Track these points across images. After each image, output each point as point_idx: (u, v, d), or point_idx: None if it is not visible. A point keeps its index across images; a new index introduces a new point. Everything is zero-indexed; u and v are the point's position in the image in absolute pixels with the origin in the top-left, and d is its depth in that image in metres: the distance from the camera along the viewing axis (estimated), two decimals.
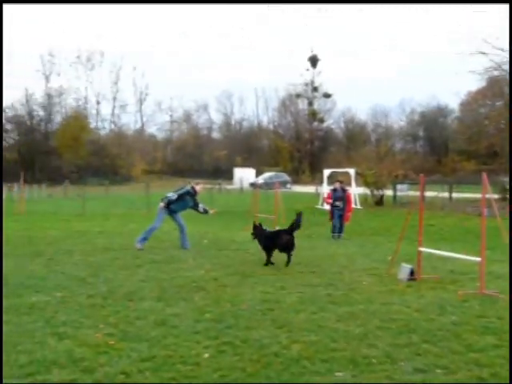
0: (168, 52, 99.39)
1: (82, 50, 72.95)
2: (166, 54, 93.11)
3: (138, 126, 79.67)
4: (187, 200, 12.60)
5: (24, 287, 8.01)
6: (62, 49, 72.97)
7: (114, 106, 76.32)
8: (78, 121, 69.39)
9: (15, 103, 70.28)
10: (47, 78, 71.80)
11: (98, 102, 75.67)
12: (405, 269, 8.91)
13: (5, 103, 69.26)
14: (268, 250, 10.40)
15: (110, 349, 5.18)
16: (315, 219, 19.87)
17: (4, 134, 69.96)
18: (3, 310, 6.60)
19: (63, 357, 4.92)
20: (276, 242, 10.32)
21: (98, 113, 76.41)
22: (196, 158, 75.59)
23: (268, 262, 10.27)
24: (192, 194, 12.66)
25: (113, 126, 77.34)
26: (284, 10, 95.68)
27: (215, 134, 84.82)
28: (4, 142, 70.43)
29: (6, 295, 7.49)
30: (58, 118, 72.85)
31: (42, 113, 71.47)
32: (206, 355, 5.08)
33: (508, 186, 25.91)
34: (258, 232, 10.81)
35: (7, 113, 69.58)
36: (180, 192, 12.60)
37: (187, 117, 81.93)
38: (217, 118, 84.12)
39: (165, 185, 56.63)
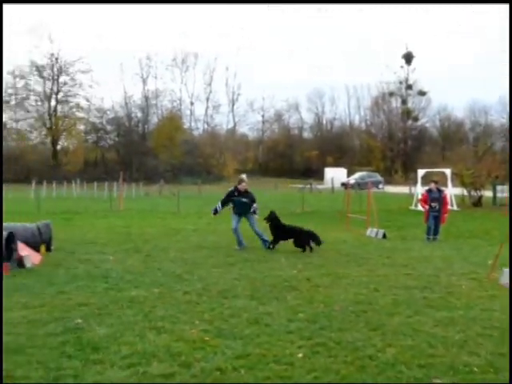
0: (260, 52, 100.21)
1: (177, 52, 75.26)
2: (258, 54, 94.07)
3: (231, 125, 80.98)
4: (235, 200, 12.60)
5: (124, 282, 8.36)
6: (159, 52, 75.28)
7: (208, 107, 78.04)
8: (173, 121, 71.60)
9: (115, 105, 73.63)
10: (145, 81, 74.61)
11: (192, 103, 77.70)
12: (507, 274, 8.48)
13: (106, 105, 72.79)
14: (278, 240, 12.28)
15: (205, 345, 5.29)
16: (409, 220, 19.35)
17: (104, 135, 73.50)
18: (105, 303, 6.93)
19: (162, 350, 5.08)
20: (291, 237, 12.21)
21: (191, 113, 78.48)
22: (287, 157, 75.80)
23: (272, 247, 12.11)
24: (233, 193, 12.62)
25: (206, 126, 79.13)
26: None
27: (306, 134, 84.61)
28: (104, 143, 74.00)
29: (109, 288, 7.86)
30: (154, 119, 75.59)
31: (139, 114, 74.40)
32: (300, 355, 5.08)
33: None
34: (275, 222, 12.39)
35: (108, 115, 72.98)
36: (224, 198, 12.70)
37: (278, 116, 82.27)
38: (308, 117, 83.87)
39: (256, 184, 57.30)
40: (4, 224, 11.43)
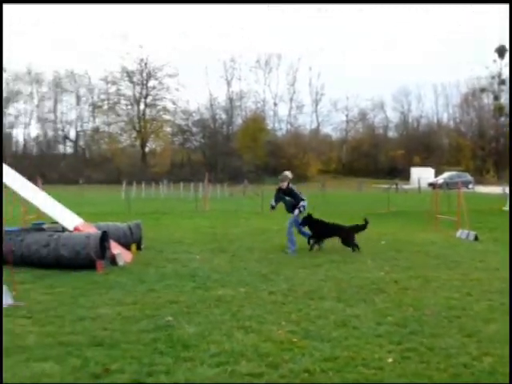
0: (343, 51, 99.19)
1: (260, 54, 75.91)
2: (342, 53, 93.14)
3: (314, 126, 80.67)
4: (283, 198, 12.49)
5: (211, 281, 8.51)
6: (243, 54, 76.21)
7: (291, 107, 78.18)
8: (256, 123, 72.29)
9: (201, 108, 75.25)
10: (229, 83, 75.81)
11: (276, 104, 78.11)
12: None
13: (192, 108, 74.52)
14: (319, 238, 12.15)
15: (293, 346, 5.28)
16: (502, 222, 18.48)
17: (190, 137, 75.25)
18: (194, 302, 7.08)
19: (250, 350, 5.12)
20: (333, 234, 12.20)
21: (275, 114, 78.89)
22: (371, 157, 74.64)
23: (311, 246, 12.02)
24: (278, 191, 12.52)
25: (289, 127, 79.27)
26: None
27: (391, 133, 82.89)
28: (190, 145, 75.76)
29: (197, 287, 8.02)
30: (238, 121, 76.65)
31: (224, 116, 75.65)
32: (390, 360, 4.96)
33: None
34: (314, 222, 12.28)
35: (194, 117, 74.68)
36: (275, 195, 12.59)
37: (363, 116, 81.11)
38: (393, 116, 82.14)
39: (340, 185, 56.75)
40: (98, 224, 11.96)
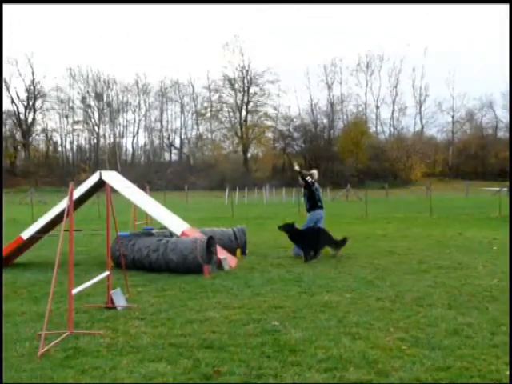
0: (447, 51, 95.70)
1: (361, 56, 74.99)
2: (445, 54, 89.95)
3: (418, 128, 78.44)
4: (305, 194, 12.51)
5: (316, 286, 8.47)
6: (344, 58, 75.68)
7: (394, 110, 76.56)
8: (358, 126, 71.43)
9: (302, 113, 75.47)
10: (330, 87, 75.48)
11: (378, 107, 76.79)
12: None
13: (293, 113, 74.83)
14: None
15: (402, 354, 5.13)
16: None
17: (291, 142, 75.62)
18: (299, 307, 7.07)
19: (357, 357, 5.04)
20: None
21: (377, 117, 77.58)
22: (480, 159, 71.39)
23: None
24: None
25: (392, 130, 77.60)
26: None
27: (501, 133, 78.77)
28: (291, 149, 76.11)
29: (302, 292, 8.02)
30: (339, 125, 76.11)
31: (325, 120, 75.41)
32: (507, 373, 4.69)
33: None
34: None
35: (295, 122, 75.02)
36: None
37: (470, 116, 77.80)
38: (503, 115, 78.04)
39: (446, 188, 54.71)
40: (204, 229, 12.29)
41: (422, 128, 78.42)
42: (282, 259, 11.50)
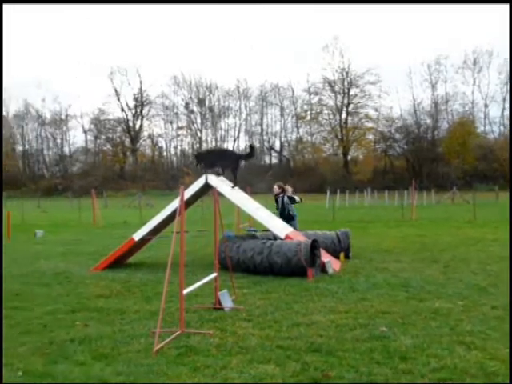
0: None
1: (468, 53, 71.95)
2: None
3: None
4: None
5: (425, 292, 8.20)
6: (449, 56, 72.81)
7: (504, 108, 72.66)
8: (464, 126, 68.56)
9: (404, 113, 73.60)
10: (434, 87, 73.06)
11: (486, 105, 73.24)
12: None
13: (395, 114, 73.15)
14: None
15: None
16: None
17: (393, 144, 73.89)
18: (408, 313, 6.88)
19: (474, 367, 4.81)
20: None
21: (485, 116, 73.99)
22: None
23: None
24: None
25: (502, 129, 73.70)
26: None
27: None
28: (393, 151, 74.36)
29: (410, 298, 7.79)
30: (444, 125, 73.35)
31: (428, 121, 73.01)
32: None
33: None
34: None
35: (396, 123, 73.28)
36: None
37: None
38: None
39: None
40: (306, 232, 12.28)
41: None
42: (387, 263, 11.25)
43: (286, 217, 12.39)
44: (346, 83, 73.89)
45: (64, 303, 7.94)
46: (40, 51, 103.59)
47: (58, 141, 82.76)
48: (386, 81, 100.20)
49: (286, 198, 12.65)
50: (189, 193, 10.76)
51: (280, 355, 5.30)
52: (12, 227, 18.79)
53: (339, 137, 74.27)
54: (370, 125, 75.15)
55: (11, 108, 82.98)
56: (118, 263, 11.41)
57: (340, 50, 72.77)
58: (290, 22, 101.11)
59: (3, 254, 12.28)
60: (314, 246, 10.23)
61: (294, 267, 9.84)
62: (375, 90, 73.70)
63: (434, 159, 67.64)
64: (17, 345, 5.83)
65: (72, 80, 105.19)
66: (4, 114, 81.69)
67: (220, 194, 9.42)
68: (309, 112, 77.31)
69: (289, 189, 13.39)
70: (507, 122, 72.66)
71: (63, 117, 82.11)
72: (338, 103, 74.47)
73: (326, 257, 10.56)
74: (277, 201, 12.74)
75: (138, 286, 9.25)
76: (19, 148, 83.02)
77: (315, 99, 76.86)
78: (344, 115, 74.56)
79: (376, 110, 74.25)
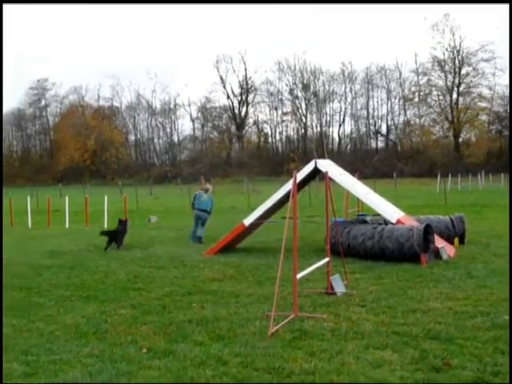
0: None
1: None
2: None
3: None
4: None
5: None
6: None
7: None
8: None
9: None
10: None
11: None
12: None
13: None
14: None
15: None
16: None
17: (509, 124, 69.71)
18: None
19: None
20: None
21: None
22: None
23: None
24: None
25: None
26: None
27: None
28: (508, 132, 70.19)
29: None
30: None
31: None
32: None
33: None
34: None
35: None
36: None
37: None
38: None
39: None
40: (419, 216, 11.93)
41: None
42: (505, 249, 10.66)
43: None
44: (457, 62, 70.54)
45: (180, 286, 8.25)
46: (150, 42, 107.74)
47: (168, 130, 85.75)
48: (502, 57, 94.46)
49: None
50: (299, 178, 10.76)
51: (397, 341, 5.20)
52: (128, 213, 19.76)
53: (449, 118, 71.20)
54: (483, 105, 71.38)
55: (124, 100, 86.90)
56: (230, 248, 11.67)
57: (451, 27, 69.56)
58: (395, 3, 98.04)
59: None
60: (428, 231, 9.91)
61: (406, 253, 9.60)
62: (489, 67, 69.77)
63: None
64: (140, 324, 6.13)
65: (180, 70, 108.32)
66: (117, 105, 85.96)
67: (330, 179, 9.33)
68: (417, 93, 74.62)
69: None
70: None
71: (172, 106, 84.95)
72: (449, 83, 71.28)
73: (440, 242, 10.21)
74: None
75: (250, 270, 9.42)
76: (131, 138, 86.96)
77: (424, 80, 74.09)
78: (455, 95, 71.31)
79: (490, 88, 70.36)
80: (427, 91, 73.90)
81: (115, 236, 12.77)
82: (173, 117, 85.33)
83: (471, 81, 71.10)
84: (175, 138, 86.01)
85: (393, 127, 77.98)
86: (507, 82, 73.62)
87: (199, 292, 7.79)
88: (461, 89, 71.06)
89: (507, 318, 5.80)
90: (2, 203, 22.08)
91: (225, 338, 5.53)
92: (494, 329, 5.46)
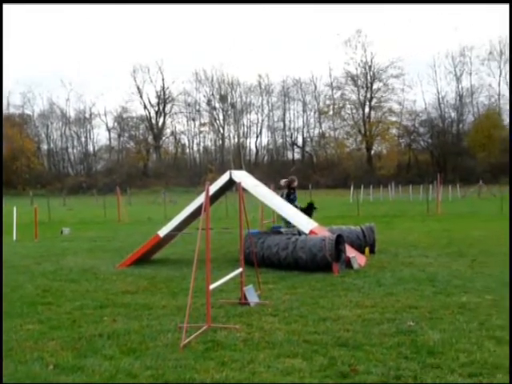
0: None
1: (494, 44, 70.74)
2: None
3: None
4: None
5: (452, 286, 8.13)
6: (474, 47, 71.63)
7: None
8: (490, 119, 67.61)
9: (428, 107, 72.79)
10: (458, 79, 72.10)
11: None
12: None
13: (418, 108, 72.36)
14: None
15: None
16: None
17: (417, 138, 73.16)
18: (435, 307, 6.81)
19: (505, 363, 4.73)
20: None
21: None
22: None
23: None
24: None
25: None
26: None
27: None
28: (417, 145, 73.66)
29: (437, 292, 7.73)
30: (469, 118, 72.39)
31: (453, 114, 72.14)
32: None
33: None
34: None
35: (420, 117, 72.51)
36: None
37: None
38: None
39: None
40: (331, 227, 12.23)
41: None
42: (413, 258, 11.16)
43: None
44: (368, 77, 73.39)
45: (92, 299, 8.02)
46: (64, 50, 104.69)
47: (83, 139, 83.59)
48: (410, 74, 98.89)
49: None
50: (212, 189, 10.78)
51: (307, 350, 5.29)
52: (39, 225, 19.03)
53: (362, 131, 73.80)
54: (393, 119, 74.58)
55: (36, 108, 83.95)
56: (144, 260, 11.49)
57: (363, 43, 72.29)
58: (311, 17, 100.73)
59: (30, 251, 12.46)
60: (339, 241, 10.19)
61: (319, 262, 9.81)
62: (398, 83, 73.09)
63: (459, 153, 66.81)
64: (47, 340, 5.91)
65: (96, 78, 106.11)
66: (29, 113, 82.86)
67: (244, 190, 9.40)
68: (331, 107, 76.91)
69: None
70: None
71: (87, 115, 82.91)
72: (361, 97, 73.99)
73: (351, 252, 10.51)
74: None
75: (164, 281, 9.31)
76: (44, 147, 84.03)
77: (338, 94, 76.52)
78: (367, 109, 74.08)
79: (399, 103, 73.64)
80: (341, 105, 76.34)
81: None
82: (88, 126, 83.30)
83: (382, 96, 74.14)
84: (90, 148, 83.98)
85: (308, 139, 79.81)
86: (414, 97, 76.96)
87: (111, 305, 7.60)
88: (372, 103, 73.94)
89: (412, 324, 6.05)
90: (1, 204, 20.73)
91: (136, 351, 5.42)
92: (399, 335, 5.68)
